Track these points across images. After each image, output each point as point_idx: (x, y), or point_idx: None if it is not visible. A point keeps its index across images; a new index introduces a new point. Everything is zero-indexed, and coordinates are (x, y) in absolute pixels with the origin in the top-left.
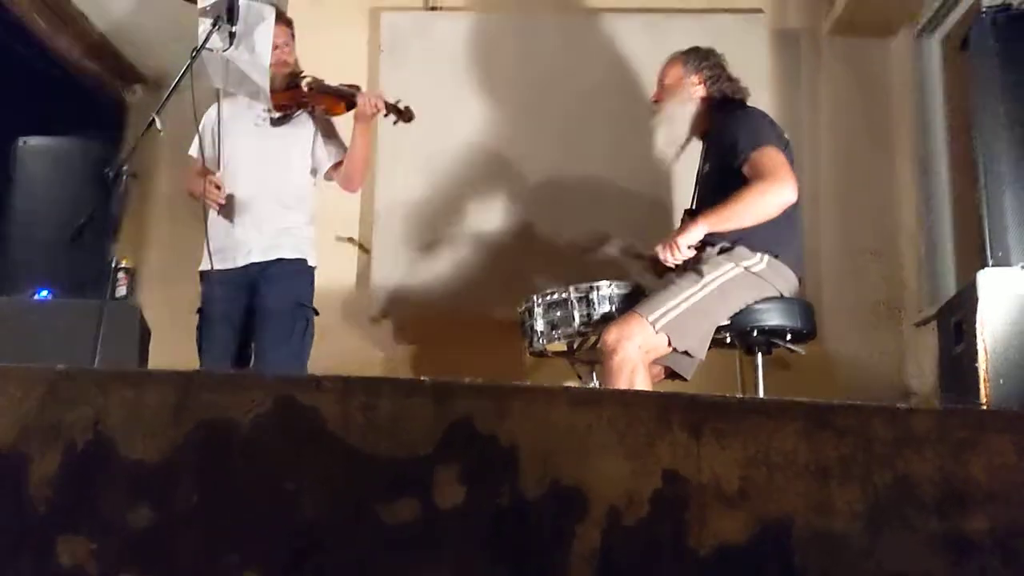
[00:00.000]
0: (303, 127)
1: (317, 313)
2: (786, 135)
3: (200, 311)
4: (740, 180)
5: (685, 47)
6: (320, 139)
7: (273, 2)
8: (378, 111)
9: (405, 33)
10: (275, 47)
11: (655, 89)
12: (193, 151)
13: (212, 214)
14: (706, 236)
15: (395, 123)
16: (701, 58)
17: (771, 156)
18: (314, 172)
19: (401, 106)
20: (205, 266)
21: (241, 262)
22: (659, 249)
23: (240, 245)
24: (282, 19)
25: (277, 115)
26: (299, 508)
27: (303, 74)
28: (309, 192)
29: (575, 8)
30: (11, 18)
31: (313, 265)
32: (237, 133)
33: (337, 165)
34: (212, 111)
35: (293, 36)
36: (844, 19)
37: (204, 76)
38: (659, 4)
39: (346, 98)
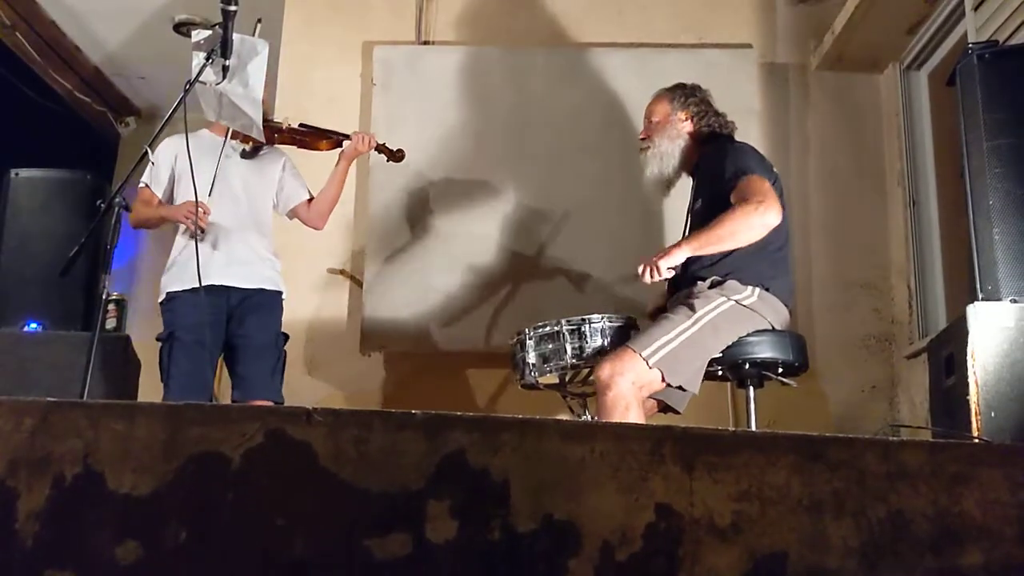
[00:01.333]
0: (272, 163)
1: (287, 338)
2: (775, 169)
3: (164, 337)
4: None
5: (675, 82)
6: (288, 176)
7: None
8: (368, 148)
9: (397, 67)
10: None
11: (642, 127)
12: (148, 180)
13: (180, 240)
14: (697, 271)
15: (387, 161)
16: (687, 94)
17: (756, 182)
18: (274, 207)
19: (392, 147)
20: (174, 287)
21: (216, 282)
22: (640, 268)
23: (215, 271)
24: None
25: (247, 148)
26: (290, 544)
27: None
28: (271, 226)
29: (566, 43)
30: (5, 50)
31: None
32: (207, 164)
33: (302, 203)
34: (171, 143)
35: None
36: (832, 54)
37: (197, 109)
38: (649, 39)
39: (335, 136)
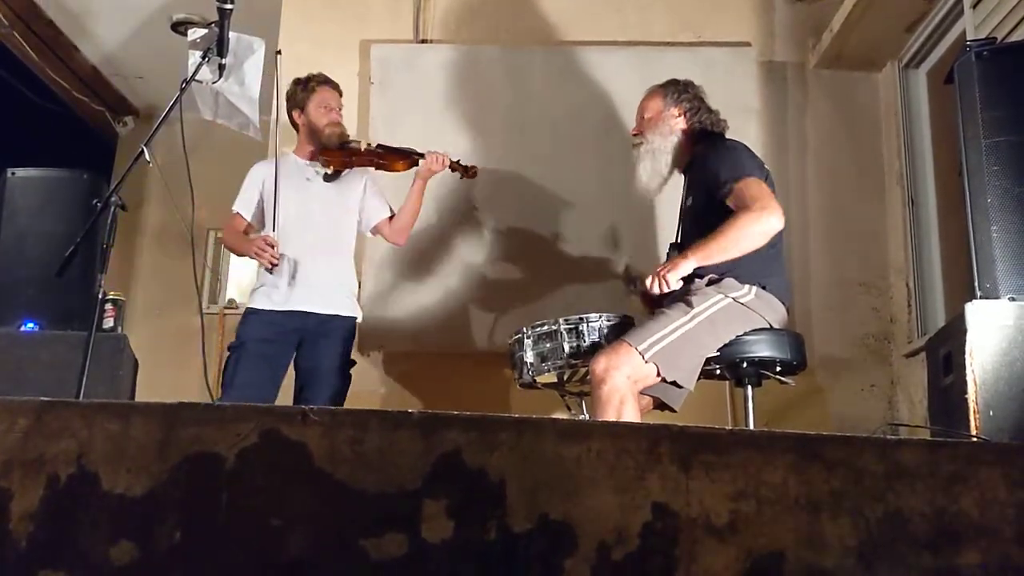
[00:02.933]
0: (353, 183)
1: (354, 363)
2: (766, 166)
3: (235, 346)
4: (723, 212)
5: (639, 106)
6: (369, 195)
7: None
8: (443, 167)
9: (395, 65)
10: (330, 109)
11: (635, 123)
12: (241, 208)
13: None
14: (695, 268)
15: (460, 179)
16: (680, 90)
17: (754, 186)
18: (358, 226)
19: (466, 164)
20: (257, 304)
21: (296, 308)
22: (648, 281)
23: (293, 295)
24: (334, 85)
25: (329, 171)
26: (285, 544)
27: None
28: (353, 246)
29: (565, 41)
30: (2, 49)
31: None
32: (290, 188)
33: (383, 221)
34: (262, 167)
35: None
36: (831, 53)
37: (193, 108)
38: (648, 38)
39: (410, 156)
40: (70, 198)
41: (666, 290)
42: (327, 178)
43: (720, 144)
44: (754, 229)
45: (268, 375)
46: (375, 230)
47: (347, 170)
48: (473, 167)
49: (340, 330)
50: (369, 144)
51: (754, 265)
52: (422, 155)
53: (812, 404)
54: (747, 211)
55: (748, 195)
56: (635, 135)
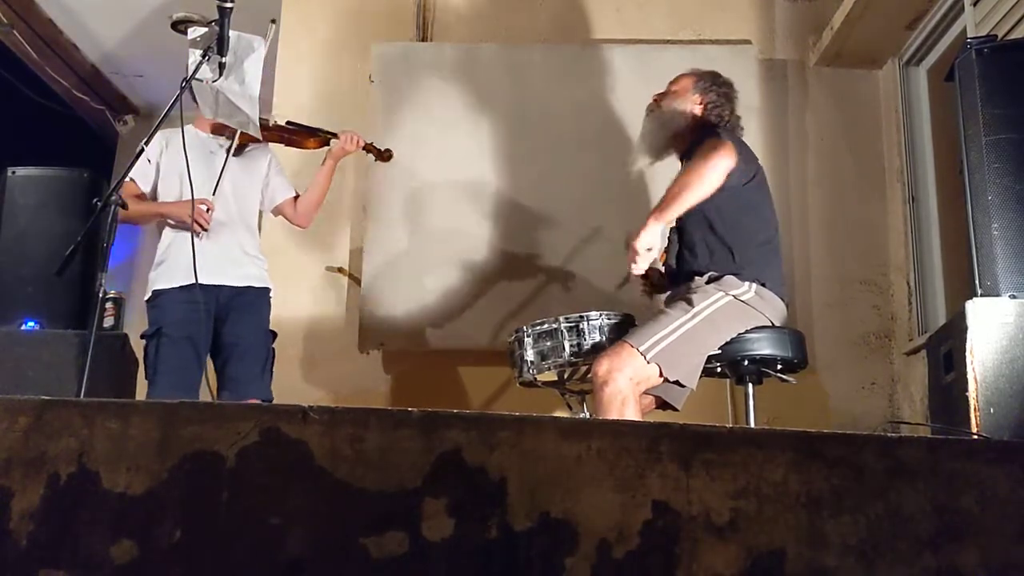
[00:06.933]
0: (258, 160)
1: (276, 336)
2: (763, 165)
3: (151, 334)
4: (715, 201)
5: (674, 77)
6: (274, 173)
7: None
8: (356, 148)
9: (396, 64)
10: None
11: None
12: (137, 176)
13: (167, 237)
14: (694, 265)
15: (375, 160)
16: (712, 83)
17: (711, 140)
18: (260, 204)
19: (380, 147)
20: (162, 284)
21: (206, 280)
22: (628, 264)
23: (204, 267)
24: None
25: (234, 144)
26: (285, 543)
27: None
28: (257, 223)
29: (565, 40)
30: (2, 49)
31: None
32: (194, 161)
33: (287, 201)
34: (157, 138)
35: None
36: (831, 50)
37: (194, 107)
38: (648, 36)
39: (321, 135)
40: (70, 197)
41: (644, 263)
42: (230, 153)
43: (715, 134)
44: (701, 171)
45: (192, 356)
46: (277, 210)
47: (251, 145)
48: (388, 150)
49: (256, 302)
50: (277, 121)
51: (753, 263)
52: (334, 134)
53: (813, 402)
54: (697, 159)
55: (703, 148)
56: (654, 99)
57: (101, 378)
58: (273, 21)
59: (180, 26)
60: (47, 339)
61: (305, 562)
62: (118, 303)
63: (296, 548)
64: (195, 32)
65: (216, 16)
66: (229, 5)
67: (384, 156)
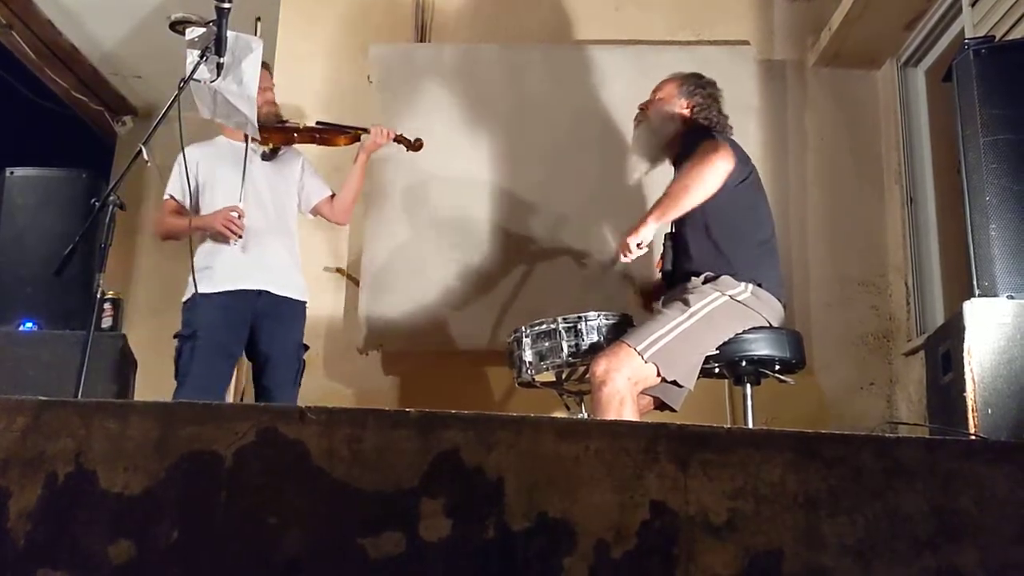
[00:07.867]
0: (291, 163)
1: (308, 348)
2: (758, 165)
3: (187, 335)
4: (710, 203)
5: (656, 85)
6: (308, 175)
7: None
8: (387, 140)
9: (395, 65)
10: (264, 89)
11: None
12: (172, 191)
13: (208, 245)
14: (691, 267)
15: (407, 151)
16: (697, 85)
17: (708, 143)
18: (298, 206)
19: (411, 137)
20: (203, 289)
21: (247, 286)
22: (617, 253)
23: (246, 273)
24: (264, 65)
25: (268, 150)
26: (282, 543)
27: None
28: (296, 227)
29: (564, 40)
30: (1, 49)
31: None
32: (229, 170)
33: (324, 200)
34: (192, 151)
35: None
36: (830, 51)
37: (193, 107)
38: (647, 36)
39: (352, 131)
40: (69, 197)
41: (632, 256)
42: (265, 157)
43: (708, 136)
44: (699, 172)
45: (224, 366)
46: (315, 210)
47: (284, 149)
48: (418, 139)
49: (293, 314)
50: (305, 123)
51: (749, 263)
52: (365, 129)
53: (811, 402)
54: (695, 160)
55: (700, 150)
56: (640, 109)
57: (99, 378)
58: (259, 19)
59: (178, 27)
60: (46, 339)
61: (302, 562)
62: (116, 303)
63: (293, 548)
64: (192, 32)
65: (214, 17)
66: (227, 6)
67: (415, 146)
